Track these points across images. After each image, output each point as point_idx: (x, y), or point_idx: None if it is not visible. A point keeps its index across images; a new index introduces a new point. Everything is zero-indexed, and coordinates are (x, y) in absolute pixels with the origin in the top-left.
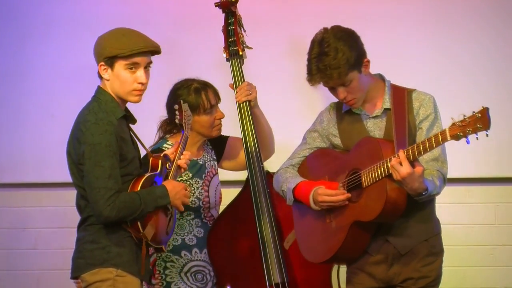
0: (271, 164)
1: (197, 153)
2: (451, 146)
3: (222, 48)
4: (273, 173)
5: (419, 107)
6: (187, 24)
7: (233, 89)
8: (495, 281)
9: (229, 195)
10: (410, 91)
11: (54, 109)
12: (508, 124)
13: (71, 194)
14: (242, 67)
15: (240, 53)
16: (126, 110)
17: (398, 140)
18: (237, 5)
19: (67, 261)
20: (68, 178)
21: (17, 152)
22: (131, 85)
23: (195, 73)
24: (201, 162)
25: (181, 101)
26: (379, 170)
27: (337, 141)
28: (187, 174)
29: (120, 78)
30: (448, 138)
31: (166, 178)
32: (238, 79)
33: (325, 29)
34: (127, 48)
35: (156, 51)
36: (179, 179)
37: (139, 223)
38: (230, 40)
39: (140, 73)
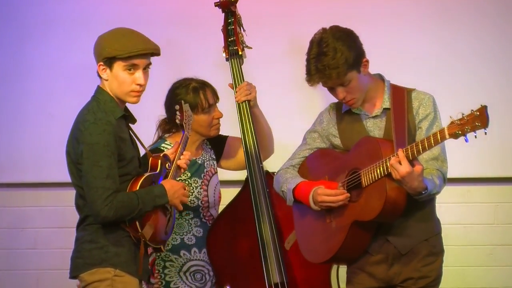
0: (271, 164)
1: (195, 152)
2: (451, 145)
3: (221, 48)
4: (273, 173)
5: (419, 107)
6: (186, 23)
7: (233, 88)
8: (495, 281)
9: (228, 195)
10: (409, 91)
11: (53, 108)
12: (508, 124)
13: (70, 194)
14: (242, 66)
15: (240, 52)
16: (126, 109)
17: (397, 139)
18: (236, 4)
19: (66, 261)
20: (67, 178)
21: (16, 152)
22: (129, 86)
23: (195, 72)
24: (200, 162)
25: (182, 102)
26: (378, 170)
27: (337, 141)
28: (185, 173)
29: (118, 79)
30: (447, 136)
31: (166, 178)
32: (237, 78)
33: (324, 29)
34: (126, 50)
35: (155, 53)
36: (178, 178)
37: (137, 223)
38: (229, 39)
39: (138, 74)
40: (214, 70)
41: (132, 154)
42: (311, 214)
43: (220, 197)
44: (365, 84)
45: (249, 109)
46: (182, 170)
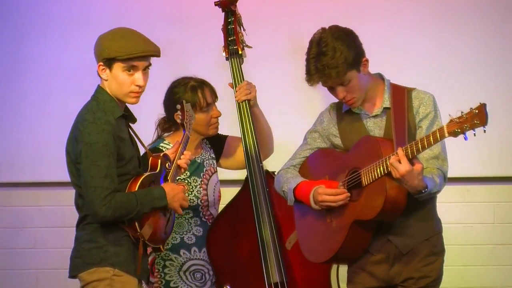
0: (271, 163)
1: (195, 151)
2: (450, 145)
3: (221, 47)
4: (273, 172)
5: (419, 106)
6: (186, 23)
7: (233, 88)
8: (495, 280)
9: (228, 194)
10: (409, 90)
11: (50, 108)
12: (508, 123)
13: (69, 193)
14: (242, 66)
15: (240, 52)
16: (126, 109)
17: (397, 138)
18: (236, 4)
19: (65, 260)
20: (66, 177)
21: (14, 151)
22: (129, 87)
23: (195, 72)
24: (199, 161)
25: (184, 101)
26: (378, 169)
27: (338, 141)
28: (185, 172)
29: (117, 80)
30: (446, 134)
31: (165, 178)
32: (237, 78)
33: (323, 29)
34: (126, 51)
35: (155, 55)
36: (177, 177)
37: (136, 223)
38: (229, 39)
39: (138, 75)
40: (214, 70)
41: (132, 154)
42: (311, 214)
43: (220, 196)
44: (365, 84)
45: (249, 108)
46: (182, 170)
